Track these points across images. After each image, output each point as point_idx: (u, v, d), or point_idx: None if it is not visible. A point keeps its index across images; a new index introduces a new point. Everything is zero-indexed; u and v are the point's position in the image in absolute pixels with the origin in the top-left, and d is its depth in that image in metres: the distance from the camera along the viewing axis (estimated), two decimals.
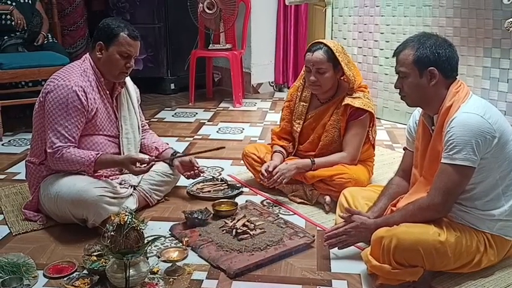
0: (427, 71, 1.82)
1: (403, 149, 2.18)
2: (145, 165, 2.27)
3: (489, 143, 1.73)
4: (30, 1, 4.27)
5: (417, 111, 2.04)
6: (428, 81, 1.83)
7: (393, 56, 1.94)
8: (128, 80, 2.52)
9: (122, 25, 2.27)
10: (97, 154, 2.22)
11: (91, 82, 2.29)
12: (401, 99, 1.95)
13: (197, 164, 2.60)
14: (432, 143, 1.88)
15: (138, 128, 2.56)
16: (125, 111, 2.48)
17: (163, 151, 2.64)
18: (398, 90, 1.94)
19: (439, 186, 1.78)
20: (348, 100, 2.52)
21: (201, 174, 2.65)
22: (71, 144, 2.21)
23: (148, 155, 2.65)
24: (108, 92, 2.37)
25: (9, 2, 4.12)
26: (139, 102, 2.63)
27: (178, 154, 2.63)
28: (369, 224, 1.92)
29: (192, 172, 2.59)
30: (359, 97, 2.53)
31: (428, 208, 1.80)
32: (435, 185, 1.80)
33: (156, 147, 2.65)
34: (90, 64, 2.31)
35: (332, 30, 4.56)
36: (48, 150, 2.20)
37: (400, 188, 2.07)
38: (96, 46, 2.29)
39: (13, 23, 4.06)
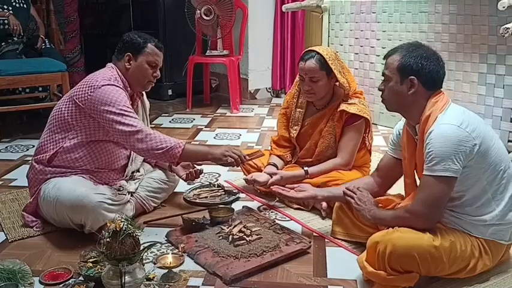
0: (408, 79, 1.85)
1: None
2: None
3: (469, 151, 1.74)
4: (25, 6, 4.29)
5: (402, 121, 2.07)
6: (408, 89, 1.87)
7: (384, 58, 1.98)
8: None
9: (148, 37, 2.42)
10: (185, 142, 2.27)
11: (121, 88, 2.34)
12: (382, 101, 2.00)
13: (192, 166, 2.62)
14: (418, 152, 1.90)
15: None
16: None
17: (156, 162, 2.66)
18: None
19: (421, 198, 1.80)
20: (343, 106, 2.53)
21: (200, 175, 2.66)
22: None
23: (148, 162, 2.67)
24: (130, 102, 2.41)
25: (5, 7, 4.14)
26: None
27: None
28: (370, 206, 1.99)
29: (191, 170, 2.60)
30: (354, 103, 2.54)
31: (411, 218, 1.81)
32: (417, 196, 1.83)
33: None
34: (118, 73, 2.37)
35: (329, 36, 4.57)
36: (130, 129, 2.19)
37: (366, 185, 2.15)
38: (125, 57, 2.36)
39: (9, 28, 4.07)
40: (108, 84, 2.25)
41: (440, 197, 1.77)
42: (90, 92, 2.24)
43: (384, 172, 2.16)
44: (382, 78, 1.96)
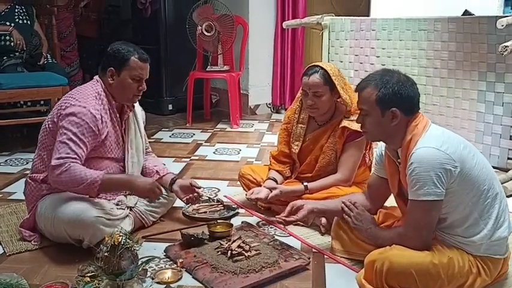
0: (389, 111, 1.84)
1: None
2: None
3: (451, 173, 1.73)
4: (28, 22, 4.33)
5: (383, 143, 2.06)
6: (390, 121, 1.85)
7: (355, 91, 1.96)
8: (136, 102, 2.54)
9: (132, 49, 2.31)
10: (103, 174, 2.18)
11: (104, 105, 2.31)
12: (362, 133, 1.99)
13: (198, 185, 2.59)
14: (401, 176, 1.90)
15: (143, 151, 2.58)
16: (132, 135, 2.49)
17: (163, 175, 2.63)
18: None
19: (410, 223, 1.82)
20: (345, 123, 2.53)
21: (200, 199, 2.63)
22: (78, 161, 2.19)
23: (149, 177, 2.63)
24: (118, 115, 2.39)
25: (8, 23, 4.17)
26: (144, 125, 2.65)
27: (178, 180, 2.61)
28: (367, 225, 1.99)
29: (191, 195, 2.57)
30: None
31: (405, 242, 1.81)
32: (406, 220, 1.85)
33: (157, 171, 2.64)
34: (102, 87, 2.33)
35: (329, 53, 4.60)
36: (53, 163, 2.15)
37: (359, 201, 2.13)
38: (108, 72, 2.31)
39: (12, 43, 4.12)
40: (81, 106, 2.21)
41: (428, 221, 1.78)
42: (65, 113, 2.21)
43: (373, 191, 2.16)
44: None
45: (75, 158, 2.17)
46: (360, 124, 1.98)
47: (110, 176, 2.24)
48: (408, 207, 1.84)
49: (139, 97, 2.39)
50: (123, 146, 2.45)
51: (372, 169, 2.18)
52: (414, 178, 1.75)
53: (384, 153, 2.05)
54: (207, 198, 2.87)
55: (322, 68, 2.52)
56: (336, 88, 2.51)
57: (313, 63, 2.63)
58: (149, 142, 4.20)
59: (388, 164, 1.99)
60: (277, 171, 2.73)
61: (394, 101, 1.82)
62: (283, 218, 2.21)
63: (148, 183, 2.31)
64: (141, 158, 2.55)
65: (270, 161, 2.81)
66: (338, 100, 2.60)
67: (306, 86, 2.53)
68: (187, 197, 2.58)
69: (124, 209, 2.36)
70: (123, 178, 2.33)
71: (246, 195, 2.67)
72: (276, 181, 2.66)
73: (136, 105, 2.57)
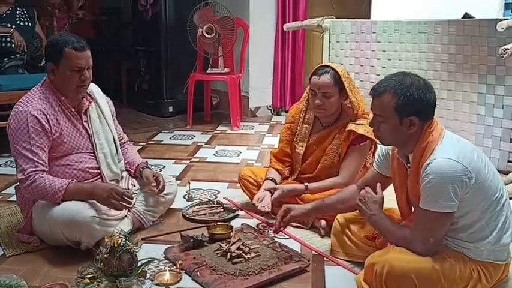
0: (408, 119, 1.78)
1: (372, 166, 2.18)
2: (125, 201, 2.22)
3: (466, 185, 1.70)
4: (30, 24, 4.34)
5: None
6: (408, 128, 1.80)
7: (370, 94, 1.89)
8: (99, 92, 2.50)
9: (66, 39, 2.24)
10: (67, 183, 2.17)
11: (51, 103, 2.28)
12: (375, 137, 1.95)
13: (152, 180, 2.50)
14: (410, 182, 1.88)
15: (114, 141, 2.52)
16: (97, 127, 2.43)
17: (135, 170, 2.60)
18: None
19: (419, 231, 1.77)
20: (351, 126, 2.52)
21: (160, 185, 2.52)
22: (43, 169, 2.19)
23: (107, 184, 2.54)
24: (74, 110, 2.34)
25: (9, 25, 4.18)
26: (114, 115, 2.60)
27: (144, 172, 2.56)
28: (374, 208, 1.92)
29: (153, 190, 2.51)
30: (362, 124, 2.51)
31: (410, 248, 1.78)
32: (415, 228, 1.80)
33: (129, 170, 2.61)
34: (49, 86, 2.31)
35: (329, 55, 4.60)
36: (19, 177, 2.18)
37: (352, 198, 2.10)
38: (48, 68, 2.28)
39: (13, 45, 4.13)
40: (21, 111, 2.21)
41: (438, 232, 1.76)
42: (9, 119, 2.23)
43: (370, 185, 2.06)
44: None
45: (36, 168, 2.17)
46: (371, 128, 1.92)
47: (74, 186, 2.20)
48: (418, 214, 1.80)
49: (85, 87, 2.32)
50: (90, 139, 2.39)
51: (374, 164, 2.13)
52: (430, 189, 1.71)
53: (390, 153, 2.02)
54: (207, 200, 2.89)
55: (332, 69, 2.51)
56: (345, 90, 2.50)
57: (323, 64, 2.61)
58: (149, 144, 4.28)
59: (397, 166, 1.96)
60: (276, 170, 2.73)
61: (414, 109, 1.76)
62: (278, 227, 2.21)
63: (105, 190, 2.21)
64: (112, 148, 2.48)
65: (270, 159, 2.80)
66: (345, 102, 2.59)
67: (315, 86, 2.51)
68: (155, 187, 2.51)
69: (121, 209, 2.35)
70: (86, 188, 2.24)
71: (254, 204, 2.60)
72: (274, 181, 2.65)
73: (101, 95, 2.52)
